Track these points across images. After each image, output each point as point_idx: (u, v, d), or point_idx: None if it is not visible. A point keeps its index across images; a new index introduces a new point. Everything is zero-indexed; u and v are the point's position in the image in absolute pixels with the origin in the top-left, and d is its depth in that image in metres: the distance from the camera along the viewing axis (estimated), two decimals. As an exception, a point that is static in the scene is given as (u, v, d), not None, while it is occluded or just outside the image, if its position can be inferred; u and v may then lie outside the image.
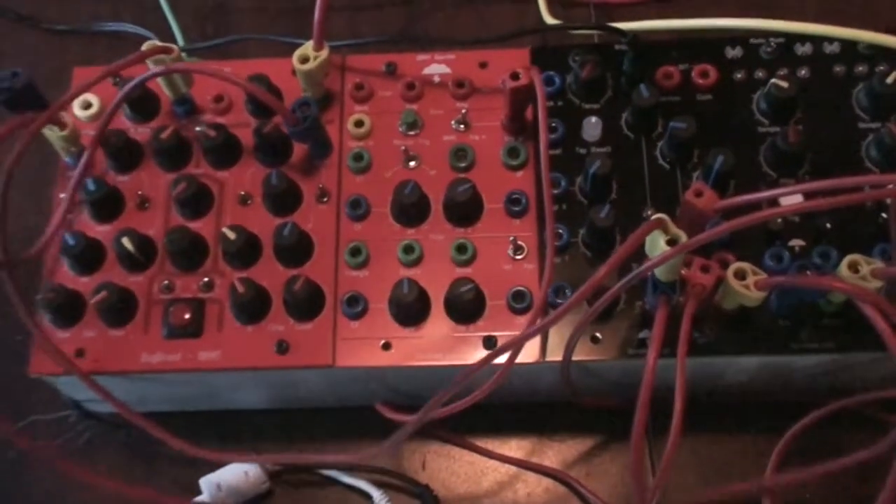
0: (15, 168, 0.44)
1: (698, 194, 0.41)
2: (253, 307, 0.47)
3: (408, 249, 0.48)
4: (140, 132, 0.52)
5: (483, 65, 0.53)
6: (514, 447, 0.52)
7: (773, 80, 0.49)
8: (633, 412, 0.39)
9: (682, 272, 0.41)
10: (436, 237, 0.49)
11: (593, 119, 0.50)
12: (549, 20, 0.61)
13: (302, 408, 0.53)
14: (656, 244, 0.40)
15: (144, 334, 0.48)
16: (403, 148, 0.51)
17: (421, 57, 0.53)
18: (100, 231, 0.50)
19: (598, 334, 0.46)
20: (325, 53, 0.50)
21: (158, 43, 0.50)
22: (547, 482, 0.51)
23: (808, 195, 0.44)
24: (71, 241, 0.48)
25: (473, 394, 0.44)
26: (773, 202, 0.45)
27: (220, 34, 0.63)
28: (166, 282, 0.49)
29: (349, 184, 0.50)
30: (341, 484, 0.51)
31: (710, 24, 0.53)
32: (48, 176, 0.52)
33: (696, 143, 0.49)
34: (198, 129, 0.51)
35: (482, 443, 0.52)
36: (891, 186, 0.42)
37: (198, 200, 0.50)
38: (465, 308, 0.46)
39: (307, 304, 0.47)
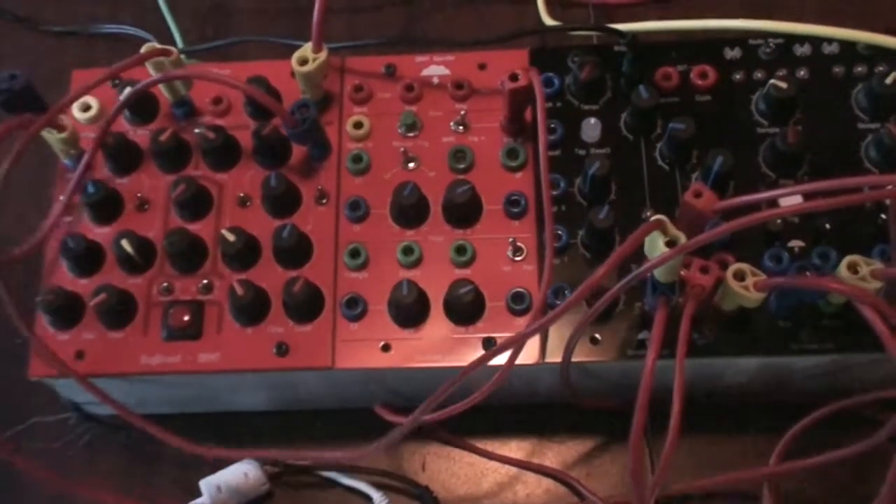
0: (13, 169, 0.44)
1: (697, 195, 0.41)
2: (252, 309, 0.47)
3: (407, 251, 0.48)
4: (139, 134, 0.52)
5: (482, 66, 0.53)
6: (514, 448, 0.52)
7: (772, 81, 0.49)
8: (632, 413, 0.39)
9: (682, 273, 0.41)
10: (435, 239, 0.49)
11: (592, 120, 0.50)
12: (548, 21, 0.61)
13: (301, 410, 0.53)
14: (655, 245, 0.40)
15: (144, 336, 0.48)
16: (402, 149, 0.51)
17: (420, 58, 0.53)
18: (99, 233, 0.50)
19: (597, 335, 0.46)
20: (323, 55, 0.50)
21: (157, 45, 0.50)
22: (547, 483, 0.51)
23: (808, 196, 0.44)
24: (70, 243, 0.48)
25: (473, 395, 0.44)
26: (773, 203, 0.45)
27: (220, 36, 0.63)
28: (166, 284, 0.49)
29: (348, 185, 0.50)
30: (341, 486, 0.51)
31: (709, 24, 0.53)
32: (47, 178, 0.52)
33: (695, 144, 0.49)
34: (197, 131, 0.51)
35: (482, 444, 0.52)
36: (890, 187, 0.42)
37: (197, 202, 0.50)
38: (465, 309, 0.46)
39: (306, 305, 0.47)
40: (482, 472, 0.52)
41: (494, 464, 0.52)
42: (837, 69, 0.50)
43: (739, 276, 0.42)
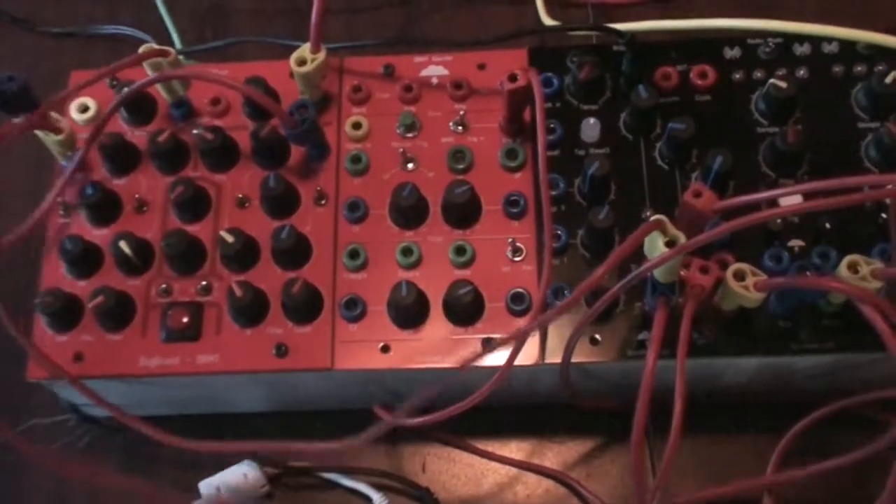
0: (11, 172, 0.44)
1: (697, 195, 0.41)
2: (251, 310, 0.47)
3: (406, 252, 0.48)
4: (137, 135, 0.52)
5: (481, 66, 0.52)
6: (514, 449, 0.52)
7: (771, 81, 0.49)
8: (632, 413, 0.39)
9: (682, 273, 0.41)
10: (434, 239, 0.49)
11: (592, 120, 0.49)
12: (547, 21, 0.61)
13: (301, 411, 0.53)
14: (655, 245, 0.40)
15: (142, 338, 0.48)
16: (401, 150, 0.50)
17: (418, 59, 0.53)
18: (97, 235, 0.50)
19: (597, 336, 0.46)
20: (322, 56, 0.49)
21: (155, 46, 0.50)
22: (547, 483, 0.51)
23: (808, 195, 0.44)
24: (68, 245, 0.48)
25: (473, 396, 0.44)
26: (773, 203, 0.45)
27: (218, 36, 0.63)
28: (164, 285, 0.49)
29: (347, 186, 0.50)
30: (341, 487, 0.51)
31: (708, 24, 0.53)
32: (45, 180, 0.52)
33: (694, 144, 0.48)
34: (195, 132, 0.51)
35: (482, 445, 0.52)
36: (890, 186, 0.42)
37: (195, 203, 0.50)
38: (464, 310, 0.46)
39: (305, 306, 0.47)
40: (482, 472, 0.52)
41: (494, 464, 0.52)
42: (837, 68, 0.50)
43: (739, 276, 0.42)
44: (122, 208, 0.51)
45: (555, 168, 0.49)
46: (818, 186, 0.41)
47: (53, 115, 0.50)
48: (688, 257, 0.41)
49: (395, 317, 0.47)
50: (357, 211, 0.49)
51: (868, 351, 0.44)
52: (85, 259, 0.49)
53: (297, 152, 0.51)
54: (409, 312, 0.46)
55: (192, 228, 0.49)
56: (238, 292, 0.46)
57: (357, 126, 0.51)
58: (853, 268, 0.41)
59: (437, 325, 0.47)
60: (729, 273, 0.42)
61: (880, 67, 0.50)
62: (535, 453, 0.52)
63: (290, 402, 0.52)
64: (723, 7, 0.55)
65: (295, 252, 0.48)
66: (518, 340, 0.44)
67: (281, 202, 0.49)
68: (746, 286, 0.41)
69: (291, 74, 0.50)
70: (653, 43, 0.52)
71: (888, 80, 0.48)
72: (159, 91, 0.52)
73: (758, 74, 0.51)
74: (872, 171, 0.48)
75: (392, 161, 0.51)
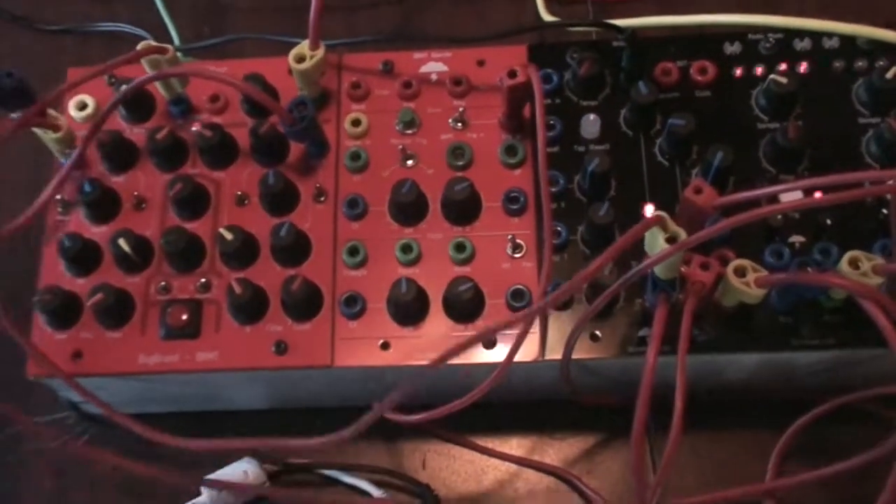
0: (9, 170, 0.43)
1: (697, 191, 0.41)
2: (251, 307, 0.47)
3: (406, 249, 0.48)
4: (136, 133, 0.52)
5: (480, 62, 0.52)
6: (515, 445, 0.52)
7: (772, 76, 0.49)
8: (633, 410, 0.39)
9: (682, 269, 0.41)
10: (434, 236, 0.49)
11: (591, 116, 0.49)
12: (547, 17, 0.61)
13: (300, 408, 0.52)
14: (656, 242, 0.40)
15: (142, 335, 0.48)
16: (401, 147, 0.50)
17: (418, 55, 0.53)
18: (96, 232, 0.50)
19: (597, 332, 0.46)
20: (321, 52, 0.49)
21: (153, 43, 0.49)
22: (548, 480, 0.51)
23: (808, 191, 0.44)
24: (67, 243, 0.48)
25: (472, 392, 0.44)
26: (773, 199, 0.45)
27: (216, 33, 0.63)
28: (163, 283, 0.48)
29: (346, 183, 0.50)
30: (342, 484, 0.51)
31: (708, 20, 0.53)
32: (44, 178, 0.51)
33: (695, 140, 0.48)
34: (194, 129, 0.51)
35: (482, 441, 0.52)
36: (891, 182, 0.41)
37: (194, 201, 0.50)
38: (464, 307, 0.46)
39: (305, 304, 0.47)
40: (483, 469, 0.52)
41: (495, 461, 0.52)
42: (838, 64, 0.50)
43: (740, 273, 0.42)
44: (121, 206, 0.50)
45: (555, 164, 0.49)
46: (819, 182, 0.41)
47: (51, 112, 0.50)
48: (688, 253, 0.41)
49: (395, 314, 0.47)
50: (356, 208, 0.49)
51: (869, 347, 0.44)
52: (84, 256, 0.49)
53: (296, 149, 0.51)
54: (409, 309, 0.46)
55: (191, 226, 0.49)
56: (237, 289, 0.46)
57: (356, 123, 0.51)
58: (854, 264, 0.41)
59: (437, 322, 0.47)
60: (730, 269, 0.42)
61: (881, 63, 0.50)
62: (536, 450, 0.52)
63: (289, 399, 0.52)
64: (723, 3, 0.55)
65: (294, 249, 0.48)
66: (518, 336, 0.43)
67: (280, 199, 0.49)
68: (747, 282, 0.41)
69: (290, 71, 0.50)
70: (652, 39, 0.52)
71: (889, 75, 0.48)
72: (158, 88, 0.52)
73: (758, 70, 0.50)
74: (873, 166, 0.48)
75: (391, 158, 0.50)
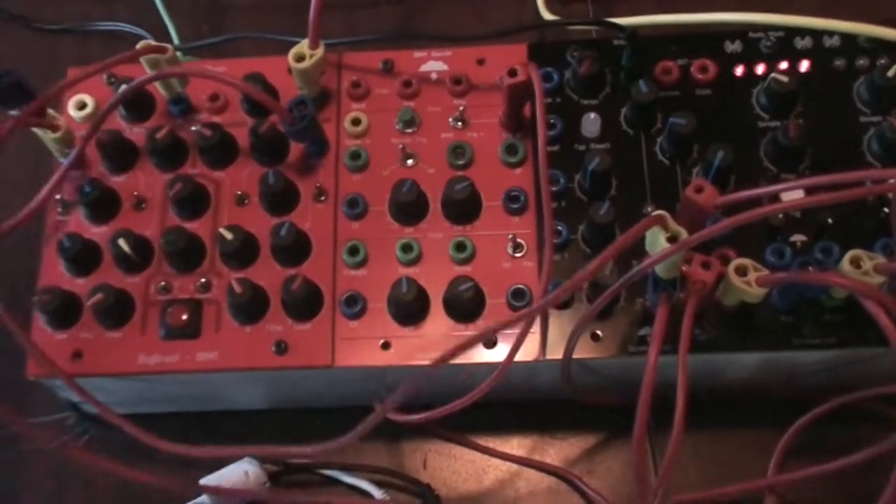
0: (9, 169, 0.43)
1: (698, 190, 0.41)
2: (251, 307, 0.47)
3: (406, 248, 0.48)
4: (135, 132, 0.52)
5: (480, 61, 0.52)
6: (516, 445, 0.52)
7: (772, 75, 0.48)
8: (634, 409, 0.39)
9: (683, 269, 0.41)
10: (434, 235, 0.48)
11: (592, 115, 0.49)
12: (547, 16, 0.60)
13: (301, 408, 0.52)
14: (657, 241, 0.40)
15: (142, 336, 0.48)
16: (401, 146, 0.50)
17: (418, 54, 0.53)
18: (96, 232, 0.50)
19: (598, 332, 0.46)
20: (320, 52, 0.49)
21: (152, 42, 0.49)
22: (549, 480, 0.51)
23: (810, 190, 0.44)
24: (67, 243, 0.48)
25: (473, 392, 0.44)
26: (774, 198, 0.45)
27: (216, 33, 0.63)
28: (163, 283, 0.48)
29: (346, 182, 0.50)
30: (342, 484, 0.51)
31: (708, 18, 0.53)
32: (43, 178, 0.51)
33: (695, 139, 0.48)
34: (193, 128, 0.51)
35: (483, 441, 0.52)
36: (892, 181, 0.41)
37: (194, 201, 0.49)
38: (465, 307, 0.46)
39: (305, 303, 0.47)
40: (483, 469, 0.52)
41: (496, 461, 0.52)
42: (839, 62, 0.50)
43: (741, 272, 0.42)
44: (121, 205, 0.50)
45: (555, 163, 0.49)
46: (820, 181, 0.41)
47: (51, 112, 0.50)
48: (689, 253, 0.41)
49: (396, 313, 0.47)
50: (357, 207, 0.49)
51: (870, 346, 0.44)
52: (83, 256, 0.48)
53: (296, 149, 0.51)
54: (410, 309, 0.46)
55: (191, 225, 0.49)
56: (237, 289, 0.46)
57: (356, 122, 0.51)
58: (856, 263, 0.41)
59: (438, 322, 0.47)
60: (731, 268, 0.42)
61: (882, 61, 0.49)
62: (537, 449, 0.52)
63: (290, 399, 0.52)
64: (724, 1, 0.55)
65: (294, 249, 0.48)
66: (518, 336, 0.43)
67: (280, 199, 0.49)
68: (748, 281, 0.41)
69: (290, 70, 0.50)
70: (653, 37, 0.52)
71: (890, 73, 0.48)
72: (157, 88, 0.51)
73: (759, 68, 0.50)
74: (875, 165, 0.48)
75: (392, 157, 0.50)
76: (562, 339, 0.45)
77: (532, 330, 0.45)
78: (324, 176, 0.50)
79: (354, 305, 0.47)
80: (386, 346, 0.47)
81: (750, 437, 0.50)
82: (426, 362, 0.46)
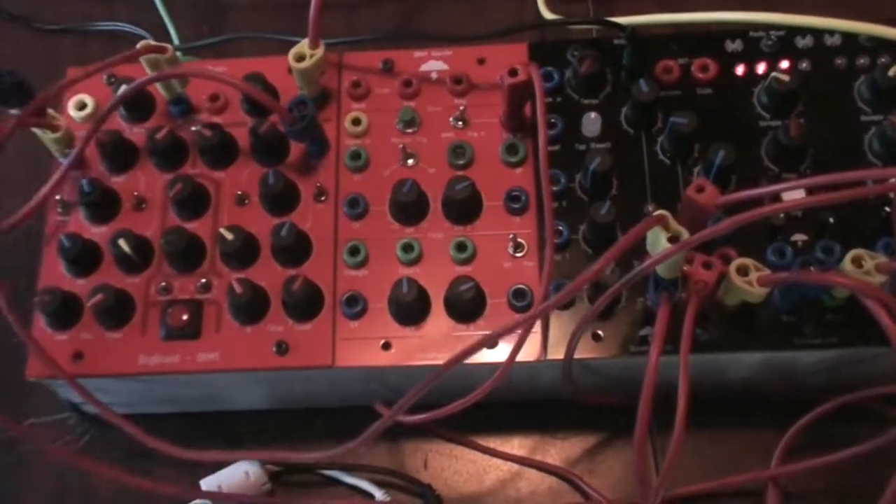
0: (9, 169, 0.43)
1: (700, 190, 0.41)
2: (251, 308, 0.47)
3: (407, 248, 0.48)
4: (135, 132, 0.52)
5: (481, 61, 0.52)
6: (517, 445, 0.52)
7: (773, 74, 0.48)
8: (635, 409, 0.39)
9: (684, 269, 0.41)
10: (435, 235, 0.48)
11: (592, 115, 0.49)
12: (548, 15, 0.60)
13: (302, 408, 0.52)
14: (658, 241, 0.40)
15: (142, 336, 0.48)
16: (401, 146, 0.50)
17: (418, 53, 0.53)
18: (96, 232, 0.50)
19: (599, 332, 0.46)
20: (320, 51, 0.49)
21: (152, 42, 0.49)
22: (550, 480, 0.51)
23: (811, 190, 0.44)
24: (67, 243, 0.48)
25: (474, 393, 0.44)
26: (775, 197, 0.45)
27: (216, 32, 0.63)
28: (164, 283, 0.48)
29: (347, 182, 0.50)
30: (343, 484, 0.51)
31: (709, 17, 0.53)
32: (43, 179, 0.51)
33: (696, 138, 0.48)
34: (193, 128, 0.51)
35: (484, 441, 0.52)
36: (894, 180, 0.41)
37: (194, 201, 0.49)
38: (466, 307, 0.46)
39: (306, 304, 0.47)
40: (484, 469, 0.52)
41: (497, 461, 0.52)
42: (839, 61, 0.50)
43: (742, 272, 0.42)
44: (121, 206, 0.50)
45: (556, 163, 0.48)
46: (821, 181, 0.41)
47: (51, 112, 0.49)
48: (690, 252, 0.41)
49: (396, 314, 0.47)
50: (357, 207, 0.49)
51: (872, 345, 0.44)
52: (84, 257, 0.48)
53: (296, 149, 0.51)
54: (411, 309, 0.46)
55: (191, 226, 0.49)
56: (238, 290, 0.46)
57: (356, 122, 0.51)
58: (857, 262, 0.41)
59: (439, 322, 0.47)
60: (732, 268, 0.41)
61: (883, 60, 0.49)
62: (538, 449, 0.52)
63: (290, 399, 0.52)
64: (724, 0, 0.55)
65: (295, 249, 0.48)
66: (520, 336, 0.43)
67: (280, 199, 0.49)
68: (750, 281, 0.41)
69: (290, 70, 0.50)
70: (654, 36, 0.52)
71: (891, 72, 0.48)
72: (157, 88, 0.51)
73: (760, 68, 0.50)
74: (876, 164, 0.48)
75: (392, 157, 0.50)
76: (563, 339, 0.45)
77: (533, 330, 0.45)
78: (324, 176, 0.50)
79: (355, 305, 0.47)
80: (387, 346, 0.46)
81: (751, 436, 0.50)
82: (427, 362, 0.46)
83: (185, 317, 0.47)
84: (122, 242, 0.47)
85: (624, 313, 0.46)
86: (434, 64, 0.52)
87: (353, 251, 0.48)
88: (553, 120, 0.49)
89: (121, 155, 0.51)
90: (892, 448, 0.41)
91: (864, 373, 0.47)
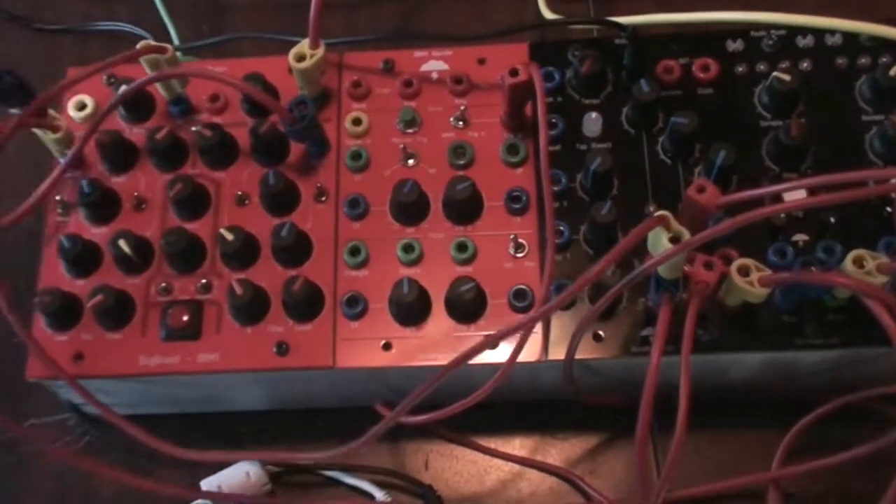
0: (9, 169, 0.43)
1: (700, 190, 0.41)
2: (252, 308, 0.47)
3: (407, 248, 0.48)
4: (135, 133, 0.52)
5: (481, 61, 0.52)
6: (518, 446, 0.52)
7: (774, 74, 0.48)
8: (636, 409, 0.39)
9: (685, 269, 0.41)
10: (436, 236, 0.48)
11: (593, 114, 0.49)
12: (548, 15, 0.60)
13: (302, 409, 0.52)
14: (659, 242, 0.40)
15: (142, 337, 0.48)
16: (402, 146, 0.50)
17: (418, 53, 0.53)
18: (96, 233, 0.50)
19: (600, 332, 0.46)
20: (321, 51, 0.49)
21: (152, 42, 0.49)
22: (551, 480, 0.51)
23: (812, 190, 0.44)
24: (67, 244, 0.48)
25: (475, 393, 0.44)
26: (777, 197, 0.45)
27: (216, 32, 0.62)
28: (164, 284, 0.48)
29: (347, 183, 0.50)
30: (344, 484, 0.51)
31: (710, 17, 0.53)
32: (44, 179, 0.51)
33: (697, 138, 0.48)
34: (194, 129, 0.51)
35: (485, 442, 0.52)
36: (895, 180, 0.41)
37: (195, 201, 0.49)
38: (466, 307, 0.46)
39: (306, 304, 0.47)
40: (485, 469, 0.52)
41: (498, 461, 0.52)
42: (841, 61, 0.50)
43: (744, 272, 0.41)
44: (121, 206, 0.50)
45: (557, 163, 0.48)
46: (822, 181, 0.41)
47: (51, 112, 0.49)
48: (692, 253, 0.41)
49: (397, 314, 0.47)
50: (357, 208, 0.49)
51: (873, 346, 0.44)
52: (84, 258, 0.48)
53: (296, 149, 0.51)
54: (411, 310, 0.46)
55: (191, 226, 0.49)
56: (238, 290, 0.46)
57: (357, 122, 0.51)
58: (858, 262, 0.41)
59: (439, 323, 0.47)
60: (733, 268, 0.41)
61: (884, 59, 0.49)
62: (539, 450, 0.52)
63: (291, 400, 0.52)
64: (725, 0, 0.54)
65: (295, 249, 0.48)
66: (521, 337, 0.43)
67: (281, 199, 0.49)
68: (751, 282, 0.41)
69: (290, 70, 0.50)
70: (654, 36, 0.52)
71: (892, 72, 0.48)
72: (157, 88, 0.51)
73: (761, 67, 0.50)
74: (877, 164, 0.48)
75: (392, 157, 0.50)
76: (564, 340, 0.45)
77: (534, 330, 0.45)
78: (324, 176, 0.50)
79: (355, 306, 0.47)
80: (387, 346, 0.46)
81: (752, 437, 0.50)
82: (427, 363, 0.46)
83: (185, 317, 0.47)
84: (122, 243, 0.47)
85: (625, 314, 0.46)
86: (434, 64, 0.52)
87: (354, 251, 0.48)
88: (554, 120, 0.49)
89: (121, 155, 0.51)
90: (894, 450, 0.40)
91: (865, 373, 0.47)
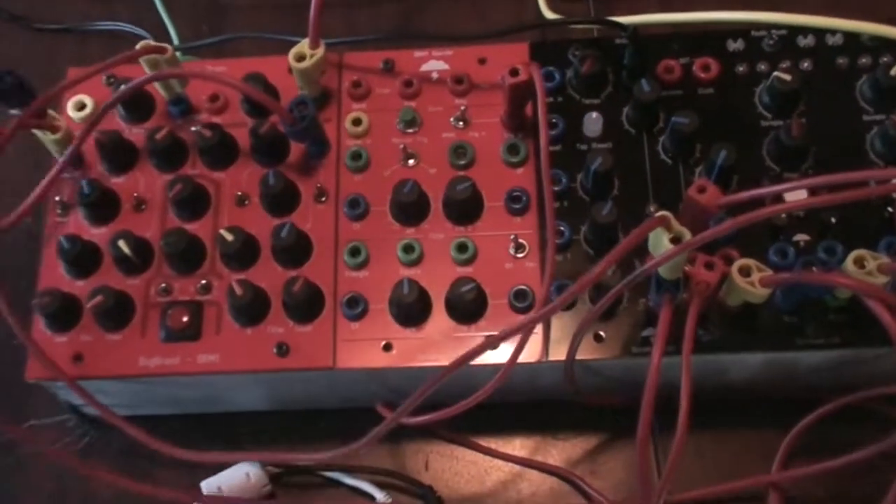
0: (8, 170, 0.43)
1: (701, 190, 0.41)
2: (252, 309, 0.47)
3: (408, 249, 0.48)
4: (135, 133, 0.52)
5: (482, 60, 0.52)
6: (518, 446, 0.52)
7: (775, 73, 0.48)
8: (637, 409, 0.39)
9: (686, 269, 0.41)
10: (436, 236, 0.48)
11: (594, 114, 0.49)
12: (549, 14, 0.60)
13: (302, 409, 0.52)
14: (660, 242, 0.40)
15: (142, 338, 0.47)
16: (402, 146, 0.50)
17: (418, 53, 0.53)
18: (95, 234, 0.50)
19: (601, 332, 0.46)
20: (321, 51, 0.49)
21: (152, 42, 0.49)
22: (551, 481, 0.51)
23: (813, 190, 0.44)
24: (66, 244, 0.48)
25: (476, 394, 0.43)
26: (777, 197, 0.45)
27: (216, 32, 0.62)
28: (163, 284, 0.48)
29: (347, 183, 0.50)
30: (344, 485, 0.51)
31: (711, 17, 0.53)
32: (43, 179, 0.51)
33: (698, 138, 0.48)
34: (193, 129, 0.51)
35: (485, 442, 0.52)
36: (896, 180, 0.41)
37: (194, 202, 0.49)
38: (467, 308, 0.46)
39: (307, 305, 0.47)
40: (486, 470, 0.51)
41: (498, 462, 0.51)
42: (841, 60, 0.50)
43: (745, 272, 0.41)
44: (121, 207, 0.50)
45: (557, 163, 0.48)
46: (823, 181, 0.41)
47: (51, 113, 0.49)
48: (692, 253, 0.41)
49: (397, 315, 0.47)
50: (358, 208, 0.49)
51: (874, 346, 0.44)
52: (83, 258, 0.48)
53: (296, 149, 0.51)
54: (411, 310, 0.46)
55: (191, 227, 0.49)
56: (238, 291, 0.46)
57: (357, 122, 0.51)
58: (859, 263, 0.41)
59: (440, 323, 0.47)
60: (734, 269, 0.41)
61: (885, 59, 0.49)
62: (539, 450, 0.52)
63: (291, 401, 0.52)
64: (725, -1, 0.55)
65: (295, 250, 0.48)
66: (521, 337, 0.43)
67: (281, 200, 0.49)
68: (752, 282, 0.41)
69: (290, 70, 0.50)
70: (655, 36, 0.52)
71: (893, 72, 0.48)
72: (157, 88, 0.51)
73: (761, 67, 0.50)
74: (878, 163, 0.48)
75: (393, 157, 0.50)
76: (564, 340, 0.45)
77: (534, 331, 0.45)
78: (324, 176, 0.50)
79: (356, 307, 0.47)
80: (387, 347, 0.46)
81: (753, 437, 0.50)
82: (428, 364, 0.46)
83: (185, 318, 0.47)
84: (121, 244, 0.47)
85: (626, 314, 0.46)
86: (435, 64, 0.52)
87: (354, 252, 0.48)
88: (554, 120, 0.49)
89: (120, 156, 0.51)
90: (895, 452, 0.40)
91: (866, 373, 0.47)
